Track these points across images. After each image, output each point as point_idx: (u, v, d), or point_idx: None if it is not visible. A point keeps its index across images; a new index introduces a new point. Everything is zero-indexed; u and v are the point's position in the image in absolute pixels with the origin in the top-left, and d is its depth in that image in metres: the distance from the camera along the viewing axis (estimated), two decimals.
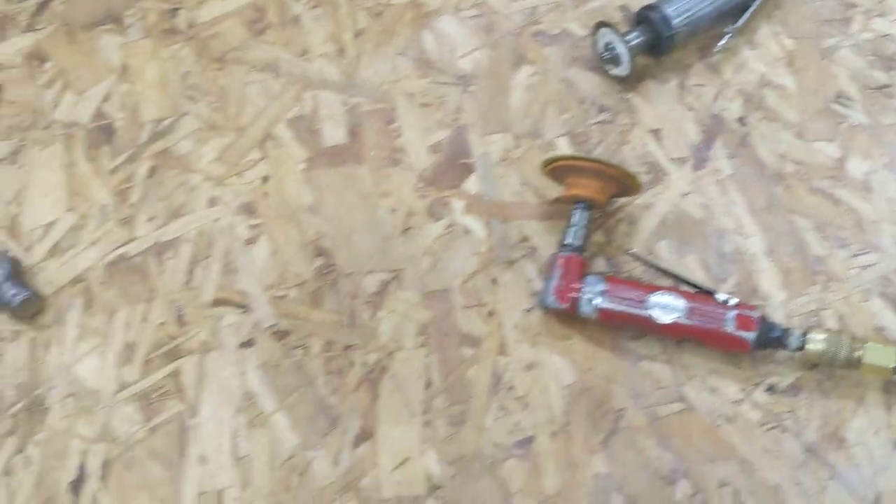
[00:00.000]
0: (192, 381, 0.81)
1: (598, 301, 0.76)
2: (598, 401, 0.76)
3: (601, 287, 0.76)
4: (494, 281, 0.83)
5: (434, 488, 0.74)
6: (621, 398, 0.76)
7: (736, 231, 0.83)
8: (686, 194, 0.86)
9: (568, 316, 0.79)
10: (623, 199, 0.86)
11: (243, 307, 0.85)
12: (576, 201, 0.80)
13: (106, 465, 0.78)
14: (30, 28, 1.08)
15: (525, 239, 0.85)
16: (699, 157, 0.88)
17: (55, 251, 0.91)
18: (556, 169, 0.81)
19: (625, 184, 0.79)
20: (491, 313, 0.82)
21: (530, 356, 0.79)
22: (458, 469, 0.74)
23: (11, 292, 0.85)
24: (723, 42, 0.92)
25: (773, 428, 0.73)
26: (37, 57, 1.05)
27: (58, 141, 0.98)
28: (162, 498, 0.76)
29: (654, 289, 0.76)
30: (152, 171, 0.94)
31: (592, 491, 0.72)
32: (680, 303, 0.75)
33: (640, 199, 0.86)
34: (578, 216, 0.80)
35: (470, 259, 0.85)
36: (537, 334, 0.80)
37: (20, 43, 1.07)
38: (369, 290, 0.84)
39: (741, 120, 0.89)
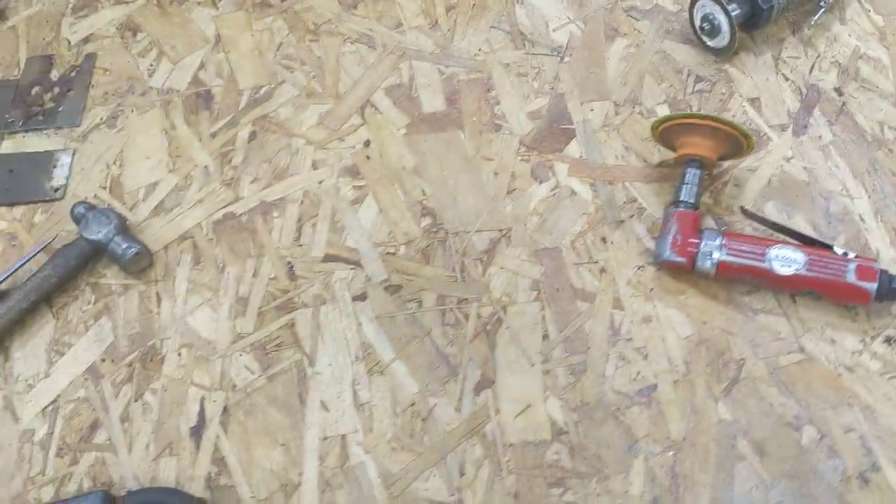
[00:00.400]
0: (307, 333, 0.83)
1: (718, 255, 0.79)
2: (717, 351, 0.78)
3: (719, 241, 0.79)
4: (604, 239, 0.86)
5: (559, 433, 0.76)
6: (740, 349, 0.78)
7: (841, 193, 0.86)
8: (789, 159, 0.89)
9: (681, 272, 0.82)
10: (728, 163, 0.89)
11: (354, 263, 0.87)
12: (688, 161, 0.83)
13: (226, 412, 0.80)
14: (120, 1, 1.11)
15: (632, 200, 0.88)
16: (799, 125, 0.91)
17: (159, 210, 0.93)
18: (669, 129, 0.84)
19: (737, 142, 0.82)
20: (603, 270, 0.84)
21: (646, 310, 0.81)
22: (582, 415, 0.76)
23: (123, 246, 0.87)
24: (818, 16, 0.96)
25: (894, 377, 0.76)
26: (129, 28, 1.09)
27: (156, 106, 1.01)
28: (284, 442, 0.78)
29: (771, 243, 0.79)
30: (253, 136, 0.97)
31: (718, 436, 0.74)
32: (799, 255, 0.77)
33: (744, 163, 0.89)
34: (691, 175, 0.83)
35: (578, 219, 0.88)
36: (651, 290, 0.83)
37: (111, 15, 1.10)
38: (478, 247, 0.87)
39: (838, 90, 0.93)
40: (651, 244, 0.85)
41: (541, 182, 0.90)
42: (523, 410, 0.77)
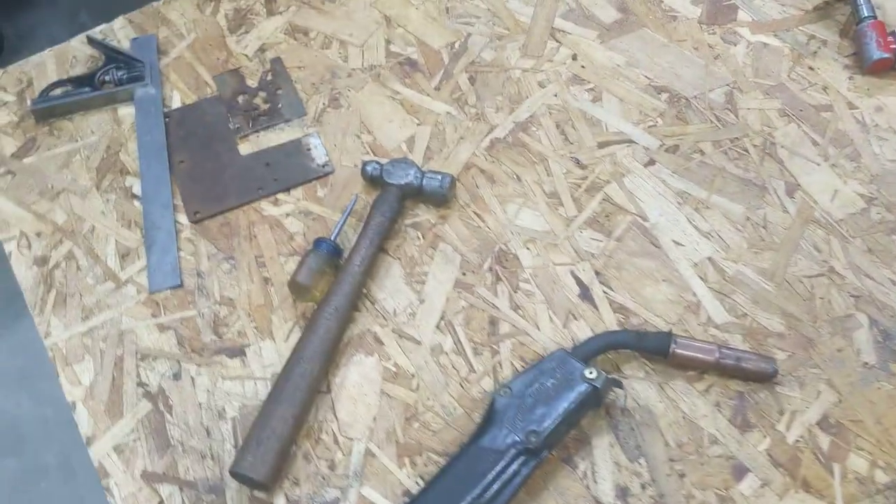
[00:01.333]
0: (625, 199, 0.97)
1: None
2: None
3: None
4: (811, 67, 1.06)
5: (870, 201, 0.95)
6: None
7: None
8: None
9: (884, 70, 1.03)
10: None
11: (627, 141, 1.02)
12: None
13: (599, 274, 0.92)
14: (271, 13, 1.21)
15: (811, 36, 1.09)
16: None
17: (430, 154, 1.04)
18: None
19: None
20: (825, 87, 1.04)
21: (873, 103, 1.02)
22: (878, 184, 0.96)
23: (438, 178, 0.97)
24: None
25: None
26: (297, 31, 1.19)
27: (368, 81, 1.12)
28: (665, 277, 0.91)
29: None
30: (473, 80, 1.10)
31: None
32: None
33: None
34: None
35: (781, 61, 1.07)
36: (867, 89, 1.03)
37: (272, 25, 1.20)
38: (719, 101, 1.04)
39: None
40: (846, 62, 1.06)
41: (735, 44, 1.10)
42: (833, 195, 0.95)
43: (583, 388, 0.79)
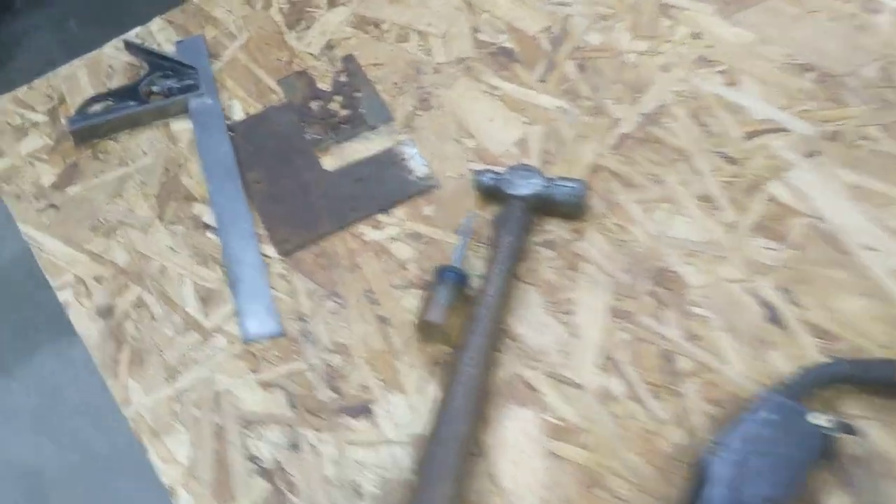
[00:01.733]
0: (792, 198, 0.82)
1: None
2: None
3: None
4: None
5: None
6: None
7: None
8: None
9: None
10: None
11: (779, 130, 0.86)
12: None
13: (782, 291, 0.76)
14: (333, 4, 1.04)
15: None
16: None
17: (547, 157, 0.87)
18: None
19: None
20: None
21: None
22: None
23: (569, 185, 0.81)
24: None
25: None
26: (367, 23, 1.01)
27: (459, 76, 0.95)
28: (862, 290, 0.76)
29: None
30: (582, 67, 0.94)
31: None
32: None
33: None
34: None
35: None
36: None
37: (337, 17, 1.02)
38: (874, 78, 0.89)
39: None
40: None
41: (878, 12, 0.94)
42: None
43: (815, 439, 0.63)
